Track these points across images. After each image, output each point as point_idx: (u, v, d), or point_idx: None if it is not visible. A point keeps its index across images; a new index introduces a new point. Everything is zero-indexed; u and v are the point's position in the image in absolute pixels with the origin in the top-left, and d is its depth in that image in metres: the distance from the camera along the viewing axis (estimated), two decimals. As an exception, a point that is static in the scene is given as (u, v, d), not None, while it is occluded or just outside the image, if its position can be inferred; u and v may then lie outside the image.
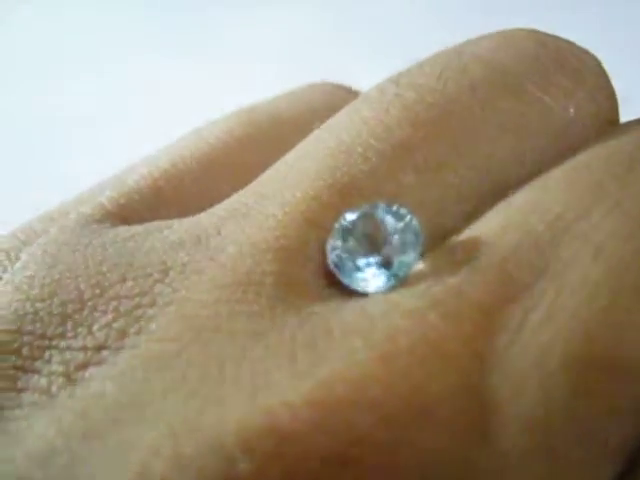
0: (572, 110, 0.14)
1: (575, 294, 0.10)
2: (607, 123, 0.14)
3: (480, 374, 0.10)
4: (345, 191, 0.12)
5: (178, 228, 0.13)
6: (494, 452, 0.09)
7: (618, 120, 0.15)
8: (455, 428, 0.10)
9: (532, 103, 0.13)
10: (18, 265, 0.13)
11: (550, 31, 0.15)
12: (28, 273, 0.13)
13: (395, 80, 0.14)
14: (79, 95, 0.37)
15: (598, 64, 0.14)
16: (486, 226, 0.12)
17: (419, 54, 0.15)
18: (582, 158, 0.13)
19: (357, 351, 0.10)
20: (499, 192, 0.13)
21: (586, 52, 0.15)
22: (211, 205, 0.14)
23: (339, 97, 0.17)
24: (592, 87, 0.14)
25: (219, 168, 0.15)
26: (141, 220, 0.14)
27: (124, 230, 0.13)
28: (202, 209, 0.14)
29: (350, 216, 0.12)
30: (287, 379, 0.10)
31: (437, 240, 0.12)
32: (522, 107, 0.13)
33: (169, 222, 0.13)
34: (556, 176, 0.12)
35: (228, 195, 0.14)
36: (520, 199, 0.12)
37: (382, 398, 0.10)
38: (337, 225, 0.12)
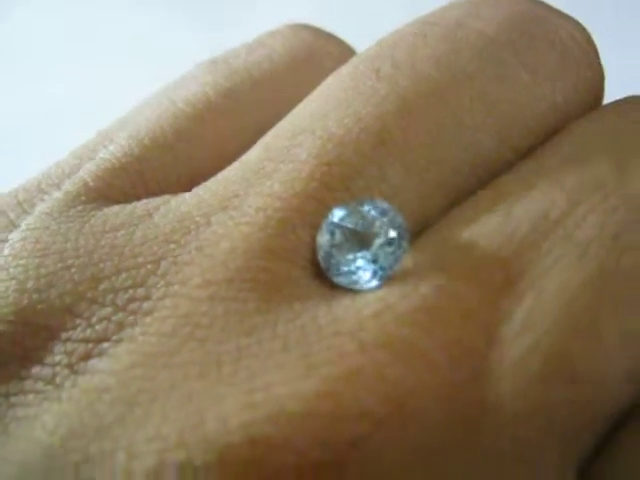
0: (560, 98, 0.14)
1: (554, 300, 0.11)
2: (593, 101, 0.14)
3: (469, 383, 0.10)
4: (335, 188, 0.12)
5: (167, 214, 0.13)
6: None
7: (602, 96, 0.15)
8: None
9: (521, 90, 0.13)
10: (7, 250, 0.13)
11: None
12: (22, 262, 0.13)
13: (385, 63, 0.14)
14: (86, 84, 0.37)
15: (588, 40, 0.14)
16: (468, 218, 0.12)
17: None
18: (567, 149, 0.13)
19: (349, 356, 0.11)
20: (484, 177, 0.13)
21: (577, 26, 0.15)
22: (191, 180, 0.14)
23: (319, 47, 0.17)
24: (581, 69, 0.14)
25: (195, 140, 0.15)
26: (124, 196, 0.14)
27: (112, 215, 0.13)
28: (180, 184, 0.14)
29: (338, 212, 0.12)
30: (282, 382, 0.10)
31: (419, 229, 0.13)
32: (511, 94, 0.13)
33: (155, 203, 0.13)
34: (541, 168, 0.13)
35: (205, 167, 0.14)
36: (504, 192, 0.12)
37: (373, 406, 0.10)
38: (326, 221, 0.12)
